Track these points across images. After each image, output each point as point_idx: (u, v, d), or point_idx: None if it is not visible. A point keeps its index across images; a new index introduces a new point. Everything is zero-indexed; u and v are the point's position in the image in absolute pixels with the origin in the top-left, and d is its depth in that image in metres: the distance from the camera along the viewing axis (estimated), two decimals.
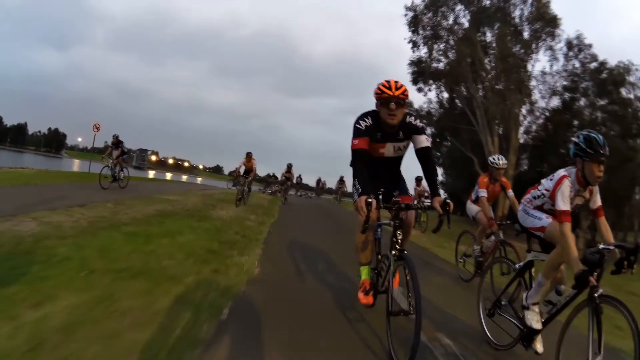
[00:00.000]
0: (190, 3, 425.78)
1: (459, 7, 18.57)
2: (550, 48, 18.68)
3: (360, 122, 2.57)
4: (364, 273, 2.87)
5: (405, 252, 2.43)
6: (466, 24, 18.67)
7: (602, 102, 21.16)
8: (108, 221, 5.31)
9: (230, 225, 6.49)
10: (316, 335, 2.57)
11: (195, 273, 3.33)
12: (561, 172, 2.45)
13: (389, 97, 2.45)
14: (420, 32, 18.11)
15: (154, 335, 2.16)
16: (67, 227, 4.66)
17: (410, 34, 18.44)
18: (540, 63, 33.54)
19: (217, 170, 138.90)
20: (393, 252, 2.46)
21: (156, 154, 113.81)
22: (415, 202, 8.25)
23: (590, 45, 19.98)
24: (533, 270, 2.70)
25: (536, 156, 19.26)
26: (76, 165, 48.95)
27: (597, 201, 2.48)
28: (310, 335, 2.56)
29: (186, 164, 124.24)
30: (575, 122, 21.28)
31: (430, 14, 18.05)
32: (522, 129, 18.46)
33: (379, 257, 2.76)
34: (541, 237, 2.63)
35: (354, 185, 2.68)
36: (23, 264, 3.17)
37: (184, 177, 61.12)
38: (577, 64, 20.21)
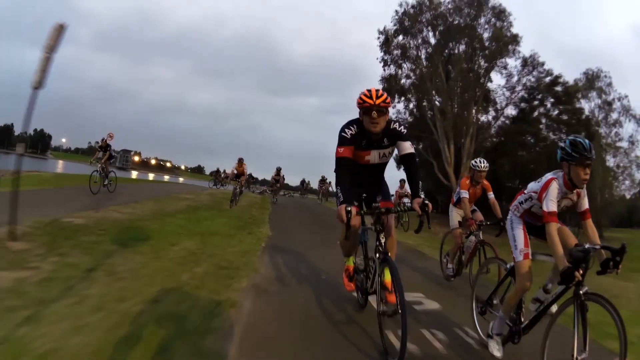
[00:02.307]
0: (174, 2, 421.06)
1: (427, 28, 21.74)
2: (505, 67, 21.96)
3: (346, 130, 2.67)
4: (348, 261, 3.13)
5: (389, 254, 2.61)
6: (433, 41, 21.88)
7: (555, 112, 24.67)
8: (162, 212, 7.94)
9: (242, 214, 9.29)
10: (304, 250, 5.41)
11: (240, 234, 6.27)
12: (549, 175, 2.54)
13: (371, 106, 2.55)
14: (392, 52, 21.24)
15: (240, 248, 5.16)
16: (141, 215, 7.27)
17: (382, 54, 21.59)
18: (499, 77, 36.47)
19: (198, 170, 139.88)
20: (377, 255, 2.66)
21: (139, 154, 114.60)
22: (397, 204, 8.56)
23: (543, 63, 23.12)
24: None
25: (489, 160, 22.49)
26: (61, 166, 49.95)
27: (585, 204, 2.57)
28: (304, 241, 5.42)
29: (168, 164, 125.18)
30: (527, 129, 24.90)
31: (400, 37, 21.23)
32: (482, 135, 21.77)
33: (367, 260, 2.96)
34: (536, 233, 2.74)
35: (336, 194, 2.76)
36: (140, 232, 5.77)
37: (166, 177, 62.44)
38: (533, 79, 23.39)
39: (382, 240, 2.64)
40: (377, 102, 2.55)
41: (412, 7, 21.28)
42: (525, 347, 2.56)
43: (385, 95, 2.61)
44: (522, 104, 24.67)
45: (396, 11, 21.55)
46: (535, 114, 24.86)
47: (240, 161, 12.35)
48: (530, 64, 23.27)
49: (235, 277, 3.79)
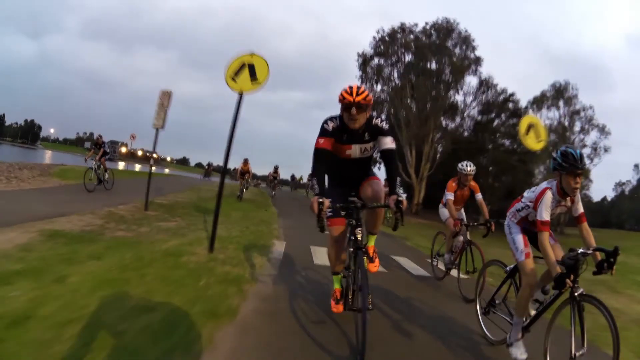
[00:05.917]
0: None
1: (398, 54, 26.64)
2: (461, 88, 27.08)
3: (328, 122, 2.82)
4: (336, 282, 3.20)
5: (363, 249, 2.76)
6: (405, 60, 26.71)
7: (510, 123, 29.79)
8: (204, 198, 12.52)
9: (253, 202, 14.13)
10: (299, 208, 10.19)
11: (260, 210, 11.41)
12: (544, 185, 2.72)
13: (350, 103, 2.65)
14: (368, 73, 26.16)
15: (266, 216, 10.21)
16: (194, 200, 11.86)
17: (360, 72, 26.52)
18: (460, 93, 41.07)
19: (183, 162, 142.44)
20: (351, 249, 2.82)
21: (126, 145, 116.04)
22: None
23: (496, 85, 28.46)
24: None
25: (445, 163, 27.48)
26: (49, 156, 51.79)
27: (579, 208, 2.72)
28: (298, 216, 10.18)
29: (155, 155, 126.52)
30: (486, 136, 30.02)
31: (376, 60, 26.13)
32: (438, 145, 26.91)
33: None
34: (532, 241, 2.89)
35: (312, 185, 2.78)
36: (206, 208, 10.34)
37: (153, 169, 64.07)
38: (489, 97, 28.53)
39: (358, 235, 2.77)
40: (357, 99, 2.64)
41: (388, 34, 26.15)
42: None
43: (366, 92, 2.71)
44: (479, 117, 29.92)
45: (374, 37, 26.40)
46: (494, 124, 30.14)
47: (246, 161, 14.93)
48: (485, 84, 28.38)
49: (271, 224, 8.73)
